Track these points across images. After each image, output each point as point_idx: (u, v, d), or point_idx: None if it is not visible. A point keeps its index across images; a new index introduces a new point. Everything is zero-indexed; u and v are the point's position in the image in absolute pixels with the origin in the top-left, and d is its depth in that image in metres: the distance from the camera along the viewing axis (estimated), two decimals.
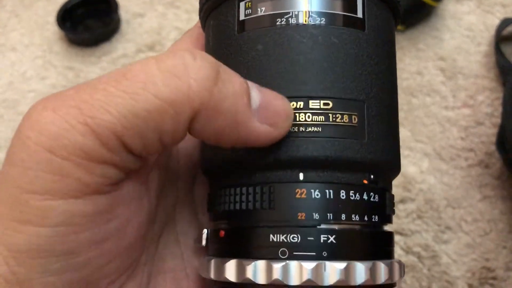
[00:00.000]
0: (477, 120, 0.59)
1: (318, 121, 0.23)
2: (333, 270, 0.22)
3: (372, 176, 0.24)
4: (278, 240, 0.23)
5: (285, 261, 0.22)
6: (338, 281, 0.22)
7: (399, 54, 0.62)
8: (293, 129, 0.23)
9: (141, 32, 0.69)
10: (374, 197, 0.24)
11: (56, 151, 0.20)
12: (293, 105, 0.23)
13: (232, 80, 0.22)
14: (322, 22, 0.24)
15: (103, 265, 0.23)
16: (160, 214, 0.28)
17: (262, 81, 0.23)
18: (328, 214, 0.23)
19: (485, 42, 0.64)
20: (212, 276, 0.24)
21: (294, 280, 0.22)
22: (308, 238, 0.23)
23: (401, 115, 0.59)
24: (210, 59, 0.22)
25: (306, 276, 0.22)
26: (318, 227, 0.23)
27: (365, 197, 0.24)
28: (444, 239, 0.54)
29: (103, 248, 0.23)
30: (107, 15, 0.68)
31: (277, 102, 0.23)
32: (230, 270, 0.23)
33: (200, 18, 0.28)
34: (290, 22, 0.24)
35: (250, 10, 0.25)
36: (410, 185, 0.56)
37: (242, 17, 0.25)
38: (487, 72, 0.62)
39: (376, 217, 0.24)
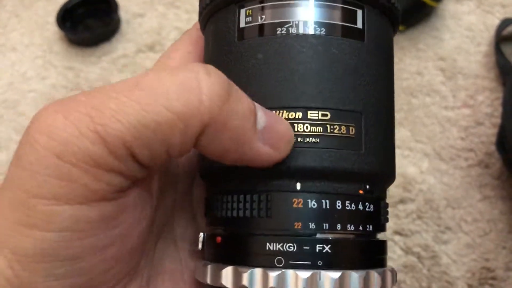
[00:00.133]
0: (477, 120, 0.59)
1: (316, 132, 0.23)
2: (328, 279, 0.22)
3: (368, 186, 0.24)
4: (274, 248, 0.23)
5: (281, 270, 0.23)
6: None
7: (399, 54, 0.62)
8: None
9: (141, 32, 0.69)
10: (369, 207, 0.24)
11: (65, 157, 0.20)
12: (292, 115, 0.24)
13: (242, 100, 0.22)
14: (322, 32, 0.24)
15: (106, 270, 0.23)
16: (159, 216, 0.28)
17: (262, 90, 0.24)
18: (324, 224, 0.23)
19: (485, 42, 0.63)
20: (208, 281, 0.25)
21: None
22: (304, 247, 0.23)
23: (401, 115, 0.59)
24: (223, 77, 0.22)
25: (301, 285, 0.22)
26: (314, 236, 0.23)
27: (360, 207, 0.24)
28: (444, 239, 0.54)
29: (107, 253, 0.23)
30: (107, 15, 0.68)
31: (281, 126, 0.23)
32: (227, 277, 0.24)
33: (199, 21, 0.28)
34: (290, 32, 0.24)
35: (250, 18, 0.25)
36: (410, 185, 0.56)
37: (242, 24, 0.25)
38: (487, 72, 0.62)
39: (371, 227, 0.24)
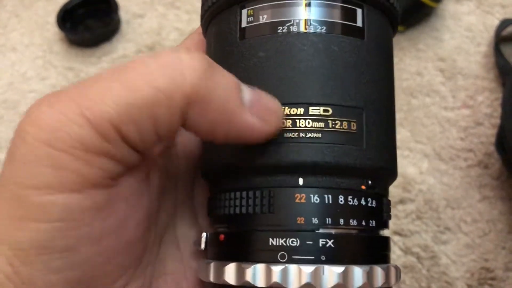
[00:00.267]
0: (477, 121, 0.59)
1: (318, 127, 0.24)
2: (332, 274, 0.22)
3: (370, 182, 0.25)
4: (277, 244, 0.23)
5: (284, 265, 0.23)
6: (336, 285, 0.22)
7: (399, 55, 0.62)
8: (293, 134, 0.24)
9: (141, 32, 0.69)
10: (371, 203, 0.24)
11: (55, 144, 0.20)
12: (293, 111, 0.24)
13: (224, 74, 0.23)
14: (322, 30, 0.24)
15: (103, 263, 0.23)
16: (161, 216, 0.28)
17: (264, 87, 0.24)
18: (327, 219, 0.23)
19: (485, 43, 0.64)
20: (211, 279, 0.25)
21: (293, 284, 0.22)
22: (307, 242, 0.23)
23: (401, 115, 0.59)
24: (205, 56, 0.23)
25: (305, 280, 0.22)
26: (317, 231, 0.23)
27: (363, 202, 0.24)
28: (443, 240, 0.54)
29: (102, 244, 0.23)
30: (107, 15, 0.68)
31: (268, 99, 0.23)
32: (230, 273, 0.24)
33: (201, 24, 0.29)
34: (291, 30, 0.24)
35: (252, 17, 0.25)
36: (409, 185, 0.56)
37: (244, 24, 0.25)
38: (486, 72, 0.62)
39: (373, 222, 0.24)
